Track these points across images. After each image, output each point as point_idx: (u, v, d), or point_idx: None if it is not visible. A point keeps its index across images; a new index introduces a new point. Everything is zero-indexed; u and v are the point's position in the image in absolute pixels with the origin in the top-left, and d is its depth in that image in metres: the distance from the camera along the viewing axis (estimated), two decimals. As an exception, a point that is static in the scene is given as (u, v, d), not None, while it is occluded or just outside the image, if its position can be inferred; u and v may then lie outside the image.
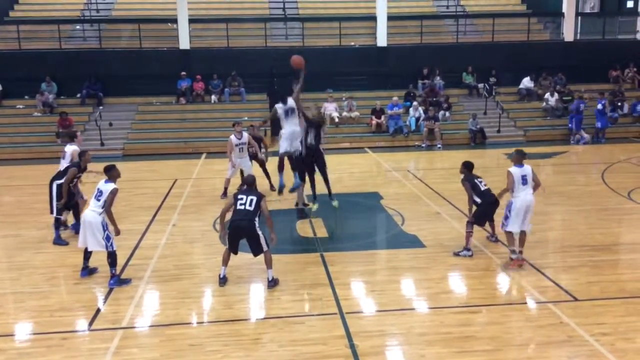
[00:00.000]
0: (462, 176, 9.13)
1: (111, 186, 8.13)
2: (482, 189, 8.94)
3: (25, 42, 21.86)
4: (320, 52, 22.76)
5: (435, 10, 26.25)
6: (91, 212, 8.09)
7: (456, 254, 9.09)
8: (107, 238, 8.06)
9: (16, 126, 19.89)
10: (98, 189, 8.18)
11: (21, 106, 20.74)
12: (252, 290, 8.08)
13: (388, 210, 11.69)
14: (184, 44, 22.26)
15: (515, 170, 8.58)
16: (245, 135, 12.76)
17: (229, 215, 8.10)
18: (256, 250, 8.04)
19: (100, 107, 20.55)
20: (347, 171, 15.93)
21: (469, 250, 9.08)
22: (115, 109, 20.85)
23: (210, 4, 25.13)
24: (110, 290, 7.97)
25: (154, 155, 18.67)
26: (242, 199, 7.98)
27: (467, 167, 9.17)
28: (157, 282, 8.31)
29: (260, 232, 7.95)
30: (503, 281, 8.32)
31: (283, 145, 10.92)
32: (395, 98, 20.94)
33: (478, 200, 8.88)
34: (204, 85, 21.78)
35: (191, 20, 22.40)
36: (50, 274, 8.64)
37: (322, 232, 10.48)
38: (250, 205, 7.91)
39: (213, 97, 21.73)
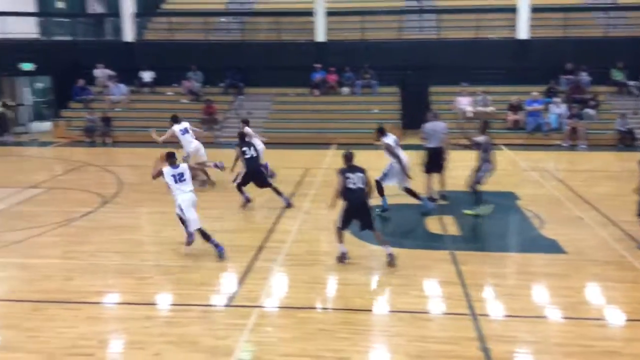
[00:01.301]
0: None
1: (186, 165, 9.16)
2: None
3: (175, 33, 23.48)
4: (456, 44, 22.24)
5: (583, 1, 24.54)
6: (191, 193, 8.85)
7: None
8: None
9: (166, 111, 21.39)
10: (179, 173, 8.81)
11: (170, 93, 22.34)
12: (381, 282, 8.14)
13: (524, 212, 11.18)
14: (320, 36, 22.75)
15: None
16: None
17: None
18: (369, 225, 8.45)
19: (241, 97, 21.61)
20: (479, 168, 15.44)
21: None
22: (254, 99, 21.81)
23: (347, -3, 25.42)
24: (248, 269, 8.39)
25: (288, 145, 19.28)
26: (350, 177, 8.30)
27: None
28: (290, 266, 8.62)
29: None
30: (654, 296, 7.66)
31: (394, 179, 10.89)
32: (535, 93, 19.93)
33: None
34: (337, 77, 22.11)
35: (328, 13, 22.82)
36: (195, 250, 9.23)
37: (453, 230, 10.27)
38: (360, 182, 8.31)
39: (345, 89, 22.02)
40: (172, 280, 8.15)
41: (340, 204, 8.52)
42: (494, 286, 7.94)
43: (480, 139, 10.64)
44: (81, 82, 21.92)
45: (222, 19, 24.96)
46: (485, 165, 10.67)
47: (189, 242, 9.03)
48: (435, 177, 11.88)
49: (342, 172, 8.38)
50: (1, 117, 20.86)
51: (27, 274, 8.31)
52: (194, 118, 20.51)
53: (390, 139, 10.84)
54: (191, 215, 8.78)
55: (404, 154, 10.90)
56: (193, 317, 7.03)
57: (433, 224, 10.58)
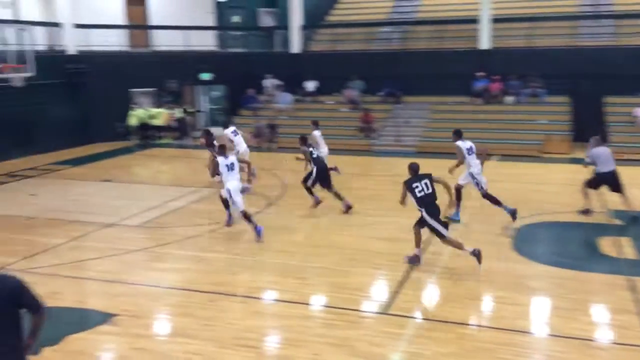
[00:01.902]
0: None
1: (234, 157, 10.75)
2: None
3: (338, 44, 24.19)
4: (636, 51, 20.31)
5: None
6: (238, 181, 10.45)
7: None
8: None
9: (326, 119, 22.14)
10: (232, 163, 10.39)
11: (331, 102, 23.06)
12: (547, 304, 7.67)
13: None
14: (484, 43, 22.07)
15: None
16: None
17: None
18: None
19: (398, 105, 21.68)
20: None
21: None
22: (412, 107, 21.76)
23: (514, 3, 24.39)
24: (404, 279, 8.37)
25: (446, 154, 18.91)
26: (417, 186, 8.44)
27: None
28: (447, 279, 8.44)
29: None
30: None
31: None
32: None
33: None
34: (501, 85, 21.27)
35: (493, 20, 22.07)
36: (351, 255, 9.42)
37: (631, 253, 9.36)
38: (428, 188, 8.47)
39: (510, 98, 21.10)
40: (329, 283, 8.38)
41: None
42: (680, 319, 7.11)
43: None
44: (251, 91, 23.44)
45: (384, 29, 25.21)
46: None
47: (229, 223, 10.89)
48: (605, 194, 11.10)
49: (410, 184, 8.57)
50: (182, 122, 23.01)
51: (202, 267, 9.06)
52: (352, 126, 21.04)
53: (465, 143, 10.92)
54: (238, 199, 10.26)
55: (476, 162, 10.92)
56: (350, 321, 7.15)
57: (607, 246, 9.73)
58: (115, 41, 22.16)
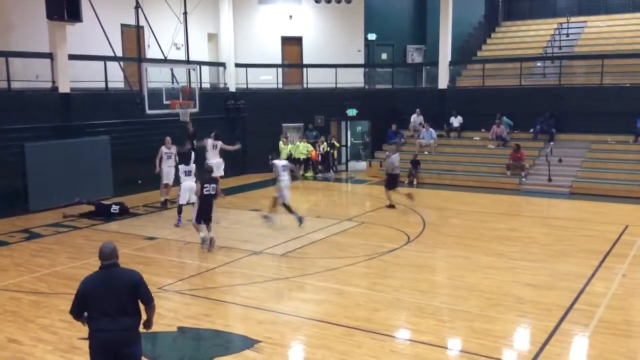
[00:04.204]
0: None
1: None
2: None
3: (488, 80, 23.58)
4: None
5: None
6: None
7: None
8: None
9: (471, 156, 21.63)
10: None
11: (477, 138, 22.45)
12: None
13: None
14: (650, 79, 20.30)
15: None
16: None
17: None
18: (210, 220, 12.16)
19: (552, 143, 20.55)
20: None
21: None
22: (566, 146, 20.52)
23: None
24: (554, 330, 7.81)
25: (602, 197, 17.59)
26: (206, 187, 11.74)
27: None
28: (604, 334, 7.72)
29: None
30: None
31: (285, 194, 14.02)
32: None
33: None
34: (671, 124, 19.36)
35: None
36: (496, 300, 9.01)
37: None
38: (213, 190, 11.85)
39: (681, 138, 19.12)
40: (471, 328, 8.01)
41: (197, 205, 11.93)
42: None
43: None
44: (394, 127, 23.58)
45: (539, 64, 24.19)
46: None
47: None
48: None
49: (202, 181, 11.96)
50: (326, 156, 23.69)
51: (341, 300, 9.16)
52: (500, 164, 20.29)
53: (280, 162, 14.34)
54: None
55: (287, 178, 13.98)
56: (493, 370, 6.82)
57: None
58: (271, 79, 23.66)
